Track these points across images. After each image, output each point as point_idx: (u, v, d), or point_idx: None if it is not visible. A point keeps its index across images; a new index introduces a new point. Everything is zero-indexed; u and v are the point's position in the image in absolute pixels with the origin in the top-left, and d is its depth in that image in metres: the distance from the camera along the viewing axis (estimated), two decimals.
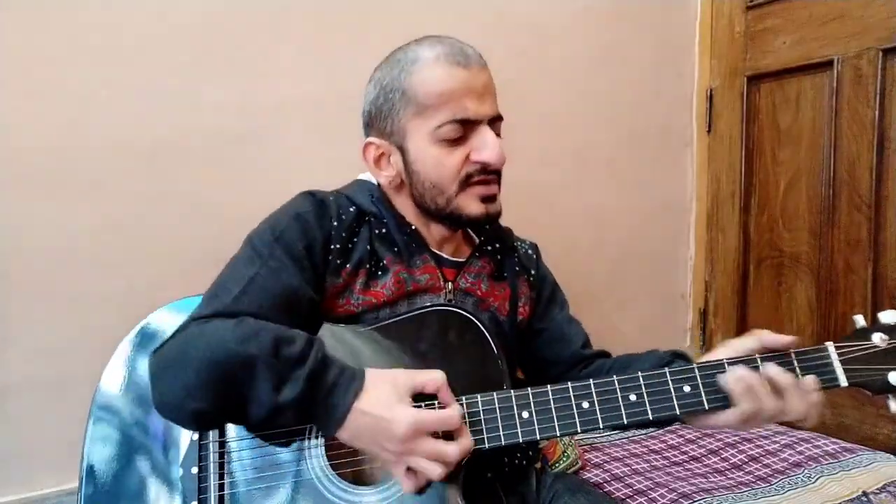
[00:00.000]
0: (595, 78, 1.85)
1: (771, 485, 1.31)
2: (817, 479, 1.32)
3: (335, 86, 1.48)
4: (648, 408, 0.78)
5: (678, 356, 0.93)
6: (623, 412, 0.78)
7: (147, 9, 1.29)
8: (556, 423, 0.78)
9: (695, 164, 2.05)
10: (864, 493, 1.26)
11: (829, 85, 1.70)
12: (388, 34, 1.51)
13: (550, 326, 1.06)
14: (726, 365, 0.78)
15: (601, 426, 0.79)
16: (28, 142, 1.21)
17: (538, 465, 1.04)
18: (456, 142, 0.89)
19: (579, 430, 0.78)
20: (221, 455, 0.81)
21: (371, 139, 0.95)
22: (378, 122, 0.94)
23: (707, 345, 2.03)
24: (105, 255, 1.28)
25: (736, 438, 1.53)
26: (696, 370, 0.79)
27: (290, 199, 0.94)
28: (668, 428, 1.60)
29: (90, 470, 0.82)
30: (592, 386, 0.79)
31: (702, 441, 1.54)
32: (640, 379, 0.79)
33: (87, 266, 1.26)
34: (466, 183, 0.90)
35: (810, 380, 0.76)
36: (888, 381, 0.78)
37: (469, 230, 1.05)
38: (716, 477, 1.37)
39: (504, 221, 1.12)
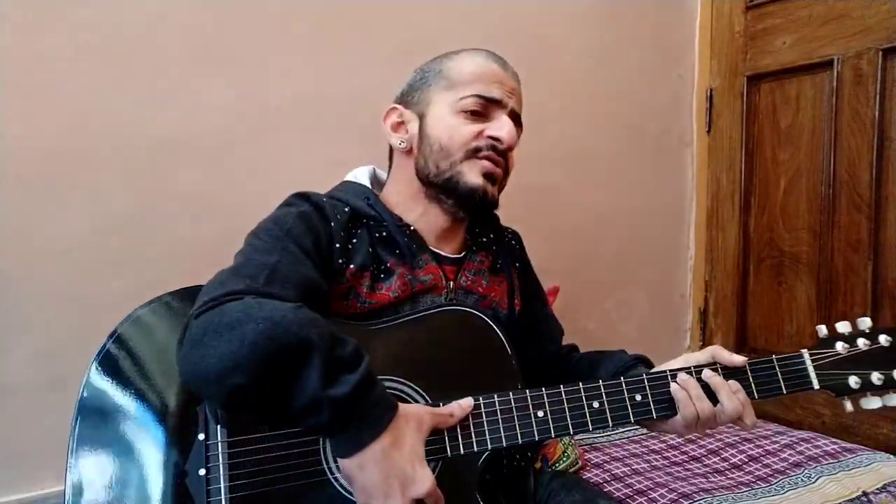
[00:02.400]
0: (595, 78, 1.85)
1: (771, 485, 1.31)
2: (817, 479, 1.32)
3: (335, 86, 1.48)
4: (609, 416, 0.82)
5: (640, 360, 0.98)
6: (630, 412, 0.83)
7: (147, 8, 1.29)
8: (569, 423, 0.81)
9: (695, 163, 2.05)
10: (864, 493, 1.26)
11: (829, 85, 1.70)
12: (387, 35, 1.52)
13: (530, 323, 1.07)
14: (669, 375, 0.85)
15: (611, 424, 0.82)
16: (28, 142, 1.21)
17: (537, 465, 1.05)
18: (475, 116, 0.94)
19: (591, 429, 0.82)
20: (230, 456, 0.76)
21: (395, 105, 1.01)
22: (407, 95, 1.01)
23: (707, 345, 2.03)
24: (105, 255, 1.28)
25: (736, 438, 1.53)
26: (646, 380, 0.85)
27: (284, 200, 0.94)
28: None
29: (77, 474, 0.75)
30: (602, 387, 0.83)
31: (702, 441, 1.54)
32: (602, 387, 0.83)
33: (87, 266, 1.26)
34: (474, 153, 0.94)
35: (733, 382, 0.84)
36: (848, 385, 0.87)
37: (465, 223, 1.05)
38: (716, 477, 1.37)
39: (505, 221, 1.12)
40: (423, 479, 0.69)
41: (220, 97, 1.37)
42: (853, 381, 0.87)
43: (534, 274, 1.13)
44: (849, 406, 0.88)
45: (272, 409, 0.70)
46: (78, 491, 0.75)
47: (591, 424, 0.81)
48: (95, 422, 0.78)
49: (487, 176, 0.94)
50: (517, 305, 1.04)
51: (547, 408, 0.81)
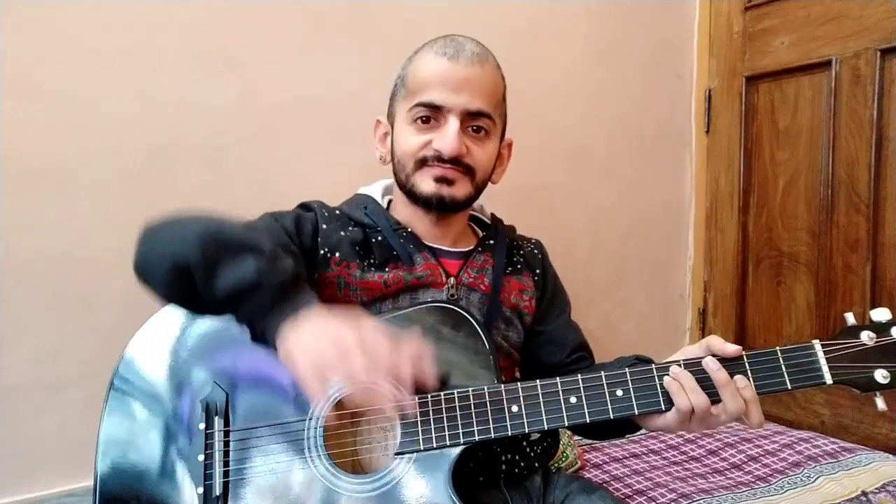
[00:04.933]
0: (594, 78, 1.85)
1: (770, 484, 1.32)
2: (816, 478, 1.32)
3: (335, 86, 1.48)
4: (587, 410, 0.81)
5: (641, 361, 0.95)
6: (609, 407, 0.81)
7: (147, 9, 1.29)
8: (544, 417, 0.81)
9: (693, 164, 2.05)
10: (864, 493, 1.26)
11: (827, 85, 1.70)
12: (387, 35, 1.52)
13: (548, 330, 1.07)
14: (654, 369, 0.82)
15: (588, 420, 0.81)
16: (28, 142, 1.21)
17: (554, 466, 1.05)
18: (426, 125, 0.94)
19: (566, 424, 0.81)
20: (226, 444, 0.83)
21: (380, 117, 1.05)
22: (389, 105, 1.03)
23: None
24: (105, 255, 1.27)
25: (735, 438, 1.53)
26: (629, 375, 0.82)
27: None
28: None
29: (105, 452, 0.84)
30: (580, 381, 0.82)
31: (701, 441, 1.54)
32: (580, 382, 0.82)
33: (87, 266, 1.26)
34: (423, 163, 0.95)
35: (738, 378, 0.80)
36: (874, 379, 0.78)
37: (473, 225, 1.09)
38: (715, 477, 1.37)
39: (504, 221, 1.12)
40: (369, 324, 0.71)
41: (219, 98, 1.37)
42: (881, 374, 0.78)
43: (556, 283, 1.12)
44: (881, 404, 0.78)
45: (213, 285, 0.76)
46: (104, 471, 0.83)
47: (567, 419, 0.81)
48: (121, 405, 0.86)
49: (440, 180, 0.94)
50: (526, 308, 1.04)
51: (521, 402, 0.81)
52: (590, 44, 1.84)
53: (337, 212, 0.99)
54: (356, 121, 1.47)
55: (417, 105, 0.94)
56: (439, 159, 0.93)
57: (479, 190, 1.00)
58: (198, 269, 0.76)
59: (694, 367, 0.82)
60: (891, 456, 1.42)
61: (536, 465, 0.98)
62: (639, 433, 1.59)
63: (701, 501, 1.24)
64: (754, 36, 1.87)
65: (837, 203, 1.69)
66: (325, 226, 0.96)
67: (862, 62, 1.62)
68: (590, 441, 1.55)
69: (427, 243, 0.99)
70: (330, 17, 1.47)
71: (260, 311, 0.76)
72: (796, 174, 1.79)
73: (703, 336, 2.05)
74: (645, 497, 1.26)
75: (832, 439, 1.51)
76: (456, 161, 0.93)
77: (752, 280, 1.93)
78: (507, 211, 1.14)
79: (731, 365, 0.82)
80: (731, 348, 0.82)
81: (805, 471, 1.36)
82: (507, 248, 1.06)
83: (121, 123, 1.29)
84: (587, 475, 1.38)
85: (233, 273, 0.75)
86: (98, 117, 1.26)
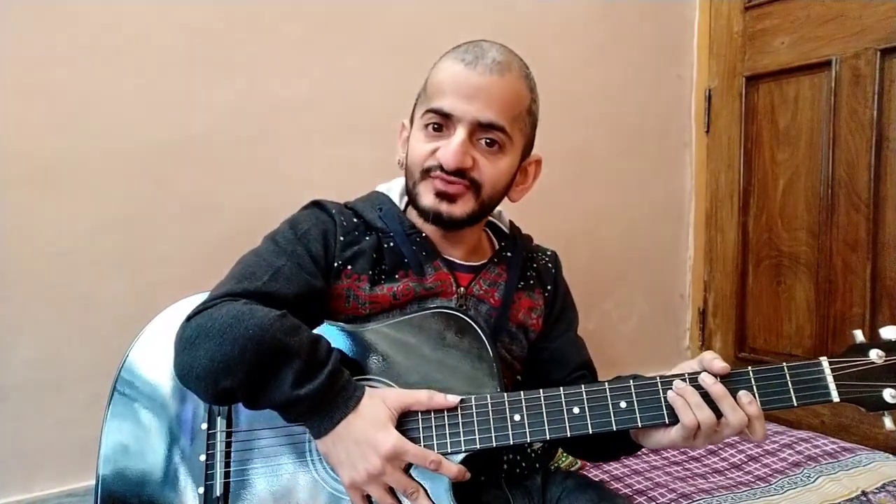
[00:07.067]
0: (594, 78, 1.85)
1: (770, 484, 1.32)
2: (816, 478, 1.32)
3: (335, 86, 1.48)
4: (589, 422, 0.80)
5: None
6: (613, 419, 0.80)
7: (147, 9, 1.29)
8: (546, 427, 0.80)
9: (693, 164, 2.05)
10: (864, 493, 1.26)
11: (827, 85, 1.70)
12: (387, 35, 1.53)
13: (553, 347, 1.05)
14: (659, 382, 0.81)
15: (590, 431, 0.80)
16: (28, 142, 1.21)
17: (553, 466, 1.04)
18: (437, 133, 0.91)
19: (569, 435, 0.80)
20: (228, 445, 0.85)
21: (404, 120, 1.01)
22: (413, 108, 1.00)
23: (706, 345, 2.04)
24: (105, 256, 1.28)
25: (735, 438, 1.53)
26: (633, 387, 0.81)
27: (302, 207, 0.99)
28: None
29: (108, 451, 0.85)
30: (584, 392, 0.81)
31: None
32: (584, 392, 0.81)
33: (87, 266, 1.26)
34: (427, 173, 0.92)
35: (742, 394, 0.78)
36: (883, 398, 0.77)
37: (490, 233, 1.07)
38: (715, 477, 1.37)
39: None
40: (386, 438, 0.75)
41: (219, 98, 1.37)
42: (889, 394, 0.77)
43: (565, 298, 1.10)
44: (889, 424, 0.77)
45: (251, 401, 0.78)
46: (106, 470, 0.84)
47: (570, 430, 0.79)
48: (124, 406, 0.87)
49: (440, 195, 0.90)
50: (533, 326, 1.03)
51: (524, 412, 0.80)
52: (590, 44, 1.84)
53: (355, 219, 0.96)
54: (356, 121, 1.48)
55: (428, 111, 0.90)
56: (444, 170, 0.89)
57: (485, 207, 0.94)
58: (240, 392, 0.76)
59: (696, 382, 0.80)
60: (891, 456, 1.43)
61: (537, 465, 0.98)
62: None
63: (701, 501, 1.24)
64: (754, 36, 1.87)
65: (837, 203, 1.69)
66: (342, 238, 0.93)
67: (862, 62, 1.62)
68: None
69: (441, 252, 0.97)
70: (330, 17, 1.47)
71: (299, 419, 0.79)
72: (796, 174, 1.79)
73: (703, 336, 2.06)
74: (645, 497, 1.26)
75: (832, 439, 1.51)
76: (460, 174, 0.89)
77: (752, 280, 1.93)
78: (507, 211, 1.14)
79: (736, 380, 0.80)
80: (719, 366, 0.80)
81: (805, 471, 1.36)
82: (521, 261, 1.03)
83: (121, 124, 1.29)
84: (586, 475, 1.38)
85: (273, 393, 0.76)
86: (98, 117, 1.26)
